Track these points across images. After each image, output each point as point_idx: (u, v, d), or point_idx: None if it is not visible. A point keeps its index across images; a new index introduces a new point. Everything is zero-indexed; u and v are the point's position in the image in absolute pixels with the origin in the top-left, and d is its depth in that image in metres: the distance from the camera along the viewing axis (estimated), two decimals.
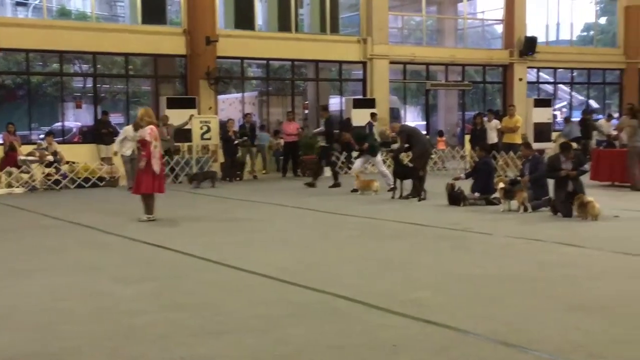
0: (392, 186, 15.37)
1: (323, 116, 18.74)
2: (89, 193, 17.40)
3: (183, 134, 20.09)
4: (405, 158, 16.31)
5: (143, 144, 11.76)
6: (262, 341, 5.29)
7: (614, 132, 19.99)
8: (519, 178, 13.24)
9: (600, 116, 28.76)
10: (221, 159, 20.78)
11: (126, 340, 5.36)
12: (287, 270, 7.80)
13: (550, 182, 12.56)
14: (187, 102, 21.44)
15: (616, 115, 28.26)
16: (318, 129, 18.18)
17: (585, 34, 34.45)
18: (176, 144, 19.98)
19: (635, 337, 5.23)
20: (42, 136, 22.48)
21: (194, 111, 20.92)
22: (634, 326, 5.50)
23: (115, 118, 24.53)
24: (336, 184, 17.67)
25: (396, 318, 5.82)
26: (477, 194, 13.77)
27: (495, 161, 20.15)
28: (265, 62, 25.43)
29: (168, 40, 22.33)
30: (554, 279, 7.24)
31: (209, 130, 20.59)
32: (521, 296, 6.52)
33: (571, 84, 32.97)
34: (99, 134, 20.85)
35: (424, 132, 26.50)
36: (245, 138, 20.84)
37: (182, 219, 12.25)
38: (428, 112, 29.87)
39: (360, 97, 25.72)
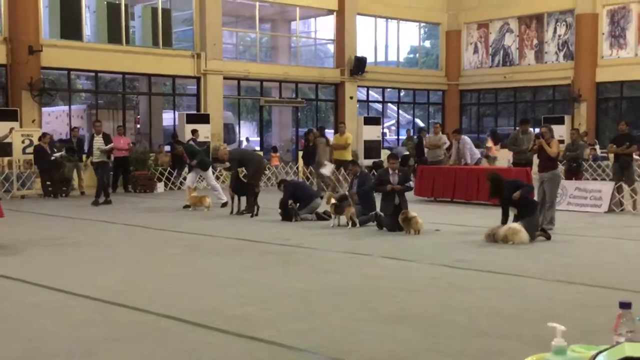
0: (224, 201, 15.33)
1: (99, 132, 17.82)
2: None
3: (3, 147, 18.96)
4: (241, 173, 16.33)
5: None
6: None
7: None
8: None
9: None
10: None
11: None
12: (112, 290, 7.55)
13: (378, 197, 13.06)
14: (8, 114, 20.26)
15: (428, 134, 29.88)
16: (108, 146, 17.65)
17: (411, 56, 36.19)
18: None
19: (449, 346, 5.53)
20: None
21: (15, 124, 19.82)
22: (448, 335, 5.80)
23: None
24: (96, 202, 17.03)
25: (221, 335, 5.80)
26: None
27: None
28: (94, 74, 24.54)
29: None
30: (376, 291, 7.51)
31: (31, 144, 19.58)
32: (344, 309, 6.70)
33: (398, 103, 34.54)
34: None
35: (257, 149, 26.79)
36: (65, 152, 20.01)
37: None
38: (262, 128, 30.14)
39: (194, 112, 25.52)
